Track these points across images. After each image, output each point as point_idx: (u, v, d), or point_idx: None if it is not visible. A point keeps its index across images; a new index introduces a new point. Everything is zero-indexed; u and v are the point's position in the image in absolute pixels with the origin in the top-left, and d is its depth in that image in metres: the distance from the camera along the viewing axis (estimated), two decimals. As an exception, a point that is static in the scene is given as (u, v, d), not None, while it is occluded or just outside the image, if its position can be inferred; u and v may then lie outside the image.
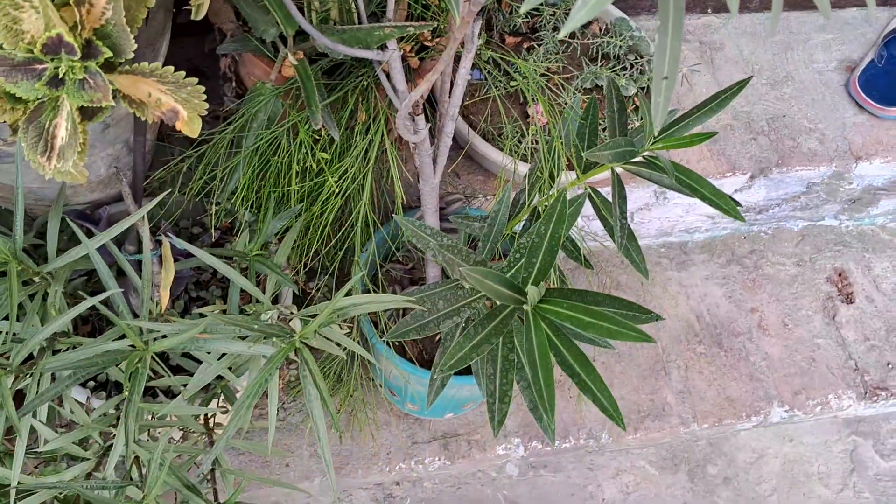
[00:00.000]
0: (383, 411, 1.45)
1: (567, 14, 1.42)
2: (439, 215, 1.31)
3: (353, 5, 1.07)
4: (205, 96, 0.74)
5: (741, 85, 0.88)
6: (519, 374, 0.82)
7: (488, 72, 1.36)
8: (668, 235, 1.71)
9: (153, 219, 1.19)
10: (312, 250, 1.12)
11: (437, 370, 0.75)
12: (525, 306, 0.74)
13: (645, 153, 0.93)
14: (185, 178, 1.15)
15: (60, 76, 0.66)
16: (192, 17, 0.99)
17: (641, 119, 1.40)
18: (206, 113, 0.75)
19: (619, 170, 0.99)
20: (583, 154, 0.87)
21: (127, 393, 0.71)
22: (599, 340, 0.83)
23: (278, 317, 0.87)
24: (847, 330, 1.65)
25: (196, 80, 0.73)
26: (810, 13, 1.75)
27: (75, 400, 0.95)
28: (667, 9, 0.49)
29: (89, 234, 1.07)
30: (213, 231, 1.11)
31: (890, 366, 1.62)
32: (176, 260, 1.06)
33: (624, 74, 1.39)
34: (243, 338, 0.76)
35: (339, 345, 0.80)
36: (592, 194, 1.01)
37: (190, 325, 0.71)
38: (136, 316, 1.07)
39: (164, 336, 0.76)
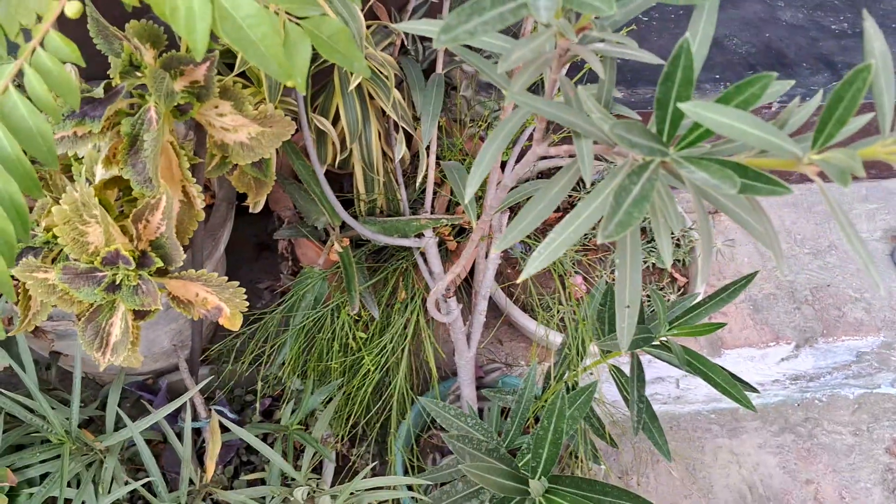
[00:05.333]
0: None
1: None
2: (479, 384, 1.36)
3: (397, 195, 1.18)
4: (245, 296, 0.83)
5: (748, 278, 0.92)
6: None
7: (528, 246, 1.44)
8: (717, 401, 1.70)
9: (210, 387, 1.28)
10: (352, 421, 1.18)
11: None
12: (534, 495, 0.78)
13: (661, 338, 0.98)
14: (240, 349, 1.24)
15: (117, 283, 0.76)
16: (251, 211, 1.11)
17: (681, 291, 1.45)
18: (247, 308, 0.84)
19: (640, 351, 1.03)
20: (593, 342, 0.92)
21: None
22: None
23: (308, 493, 0.93)
24: (910, 505, 1.59)
25: (237, 283, 0.82)
26: (853, 183, 1.79)
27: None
28: (625, 247, 0.55)
29: (149, 403, 1.16)
30: (258, 402, 1.19)
31: (957, 546, 1.54)
32: (227, 429, 1.13)
33: (661, 248, 1.45)
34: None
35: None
36: (615, 374, 1.05)
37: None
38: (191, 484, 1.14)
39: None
